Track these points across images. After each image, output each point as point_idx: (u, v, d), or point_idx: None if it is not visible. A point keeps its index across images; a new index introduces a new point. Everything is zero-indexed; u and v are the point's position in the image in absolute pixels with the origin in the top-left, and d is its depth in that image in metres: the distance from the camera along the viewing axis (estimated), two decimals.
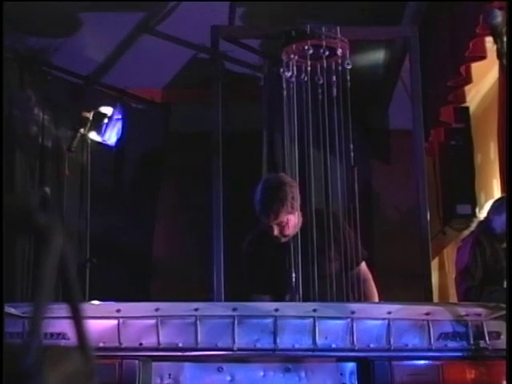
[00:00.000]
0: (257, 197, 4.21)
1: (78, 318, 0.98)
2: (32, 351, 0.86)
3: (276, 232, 4.10)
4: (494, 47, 3.28)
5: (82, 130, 5.56)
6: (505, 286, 5.03)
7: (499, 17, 3.26)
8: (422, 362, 3.07)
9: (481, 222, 5.52)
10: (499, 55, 3.24)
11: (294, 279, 4.05)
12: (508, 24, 3.22)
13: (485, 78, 6.06)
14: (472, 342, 3.00)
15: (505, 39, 3.33)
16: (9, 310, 3.10)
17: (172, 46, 6.37)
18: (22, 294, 5.65)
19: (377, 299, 4.23)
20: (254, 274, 4.28)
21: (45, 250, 0.88)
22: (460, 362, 3.02)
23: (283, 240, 4.13)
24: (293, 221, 4.12)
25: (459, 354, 3.03)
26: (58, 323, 2.61)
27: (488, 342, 2.98)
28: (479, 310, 3.11)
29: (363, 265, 4.29)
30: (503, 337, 2.98)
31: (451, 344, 3.03)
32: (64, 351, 0.95)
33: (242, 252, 4.37)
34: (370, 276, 4.31)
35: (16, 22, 5.86)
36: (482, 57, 4.87)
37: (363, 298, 4.12)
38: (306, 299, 3.91)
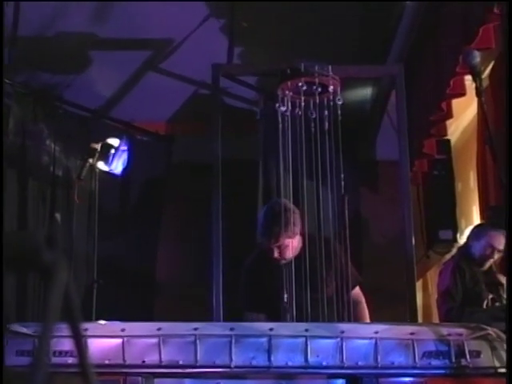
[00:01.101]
0: (260, 220, 4.22)
1: (79, 343, 0.98)
2: (38, 382, 0.86)
3: (276, 254, 4.09)
4: (473, 85, 3.29)
5: (90, 160, 5.57)
6: (484, 306, 5.03)
7: (477, 57, 3.28)
8: (408, 379, 3.05)
9: (460, 248, 5.53)
10: (478, 92, 3.25)
11: (286, 300, 4.03)
12: (508, 24, 3.21)
13: (464, 113, 6.09)
14: (454, 360, 2.98)
15: (483, 77, 3.35)
16: (20, 329, 3.08)
17: (175, 82, 6.40)
18: (33, 314, 5.63)
19: (368, 320, 4.22)
20: (251, 293, 4.27)
21: (51, 284, 0.88)
22: (443, 379, 3.00)
23: (282, 262, 4.12)
24: (292, 244, 4.12)
25: (442, 371, 3.01)
26: (66, 342, 2.59)
27: (469, 360, 2.97)
28: (460, 330, 3.10)
29: (357, 289, 4.28)
30: (483, 355, 2.97)
31: (434, 362, 3.01)
32: (67, 380, 0.94)
33: (241, 270, 4.37)
34: (363, 299, 4.31)
35: (30, 59, 5.89)
36: (462, 94, 4.90)
37: (356, 319, 4.11)
38: (299, 320, 3.89)
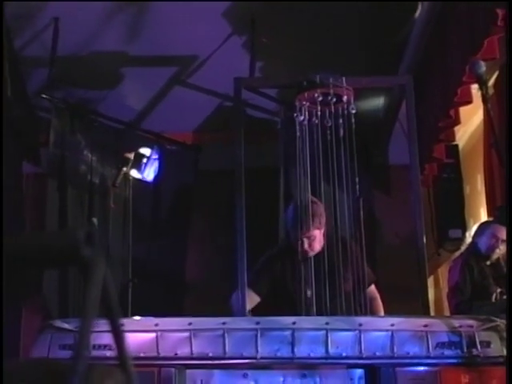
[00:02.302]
0: (289, 215, 4.21)
1: (118, 337, 0.97)
2: (79, 372, 0.85)
3: (306, 245, 4.08)
4: (479, 93, 3.26)
5: (124, 169, 5.59)
6: (492, 300, 4.99)
7: (483, 67, 3.25)
8: (422, 368, 3.03)
9: (468, 245, 5.49)
10: (484, 100, 3.22)
11: (309, 295, 4.02)
12: (508, 23, 3.16)
13: (471, 119, 6.05)
14: (465, 350, 2.96)
15: (488, 86, 3.33)
16: (62, 324, 3.09)
17: (201, 95, 6.41)
18: (74, 310, 5.65)
19: (383, 314, 4.21)
20: (265, 278, 4.23)
21: (90, 279, 0.88)
22: (455, 368, 2.98)
23: (310, 254, 4.10)
24: (319, 236, 4.12)
25: (454, 361, 2.98)
26: (105, 336, 2.60)
27: (480, 350, 2.94)
28: (471, 322, 3.07)
29: (372, 286, 4.28)
30: (493, 345, 2.94)
31: (447, 352, 2.98)
32: (107, 370, 0.93)
33: (265, 256, 4.34)
34: (378, 296, 4.30)
35: (67, 77, 5.92)
36: (469, 101, 4.86)
37: (372, 313, 4.09)
38: (319, 314, 3.87)
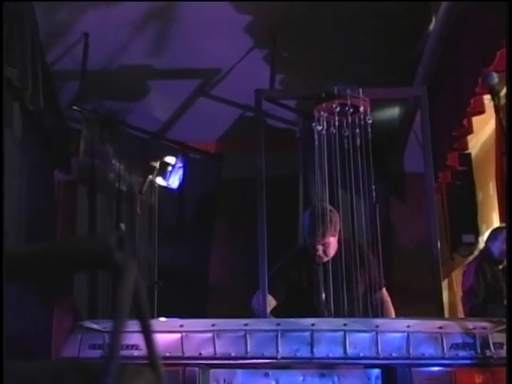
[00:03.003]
0: (305, 222, 4.22)
1: (148, 337, 0.97)
2: (112, 372, 0.85)
3: (320, 252, 4.08)
4: (491, 103, 3.24)
5: (150, 177, 5.59)
6: (505, 303, 4.94)
7: (495, 78, 3.22)
8: (437, 368, 3.01)
9: (481, 250, 5.44)
10: (496, 110, 3.20)
11: (324, 298, 4.01)
12: (508, 23, 3.14)
13: (483, 128, 6.00)
14: (479, 351, 2.93)
15: (501, 95, 3.30)
16: (91, 325, 3.10)
17: (223, 106, 6.42)
18: (103, 312, 5.67)
19: (393, 316, 4.19)
20: (281, 280, 4.23)
21: (122, 282, 0.88)
22: (469, 368, 2.95)
23: (325, 259, 4.10)
24: (334, 243, 4.12)
25: (468, 361, 2.96)
26: (133, 336, 2.60)
27: (493, 351, 2.92)
28: (485, 324, 3.05)
29: (383, 289, 4.27)
30: (506, 347, 2.92)
31: (461, 353, 2.96)
32: (138, 369, 0.93)
33: (282, 259, 4.34)
34: (389, 298, 4.29)
35: (97, 89, 5.96)
36: (481, 111, 4.83)
37: (383, 314, 4.08)
38: (336, 315, 3.86)
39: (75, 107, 5.78)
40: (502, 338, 2.93)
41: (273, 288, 4.14)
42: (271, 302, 4.10)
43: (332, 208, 4.23)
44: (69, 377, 0.92)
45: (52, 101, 5.53)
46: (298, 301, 4.19)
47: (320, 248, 4.08)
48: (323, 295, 4.01)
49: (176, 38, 5.48)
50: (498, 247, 5.05)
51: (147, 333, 0.97)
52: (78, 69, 5.52)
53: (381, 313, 4.05)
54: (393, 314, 4.23)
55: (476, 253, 5.84)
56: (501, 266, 5.09)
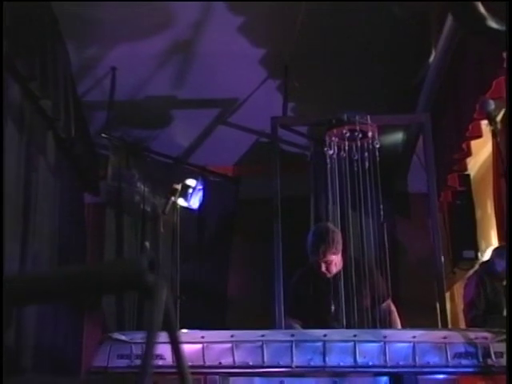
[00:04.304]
0: (309, 240, 4.20)
1: (176, 348, 0.99)
2: (146, 382, 0.87)
3: (323, 268, 4.07)
4: (488, 128, 3.24)
5: (172, 198, 5.59)
6: (503, 314, 4.90)
7: (492, 105, 3.23)
8: (442, 376, 2.98)
9: (483, 264, 5.39)
10: (493, 134, 3.21)
11: (333, 310, 4.00)
12: (508, 23, 3.14)
13: (481, 151, 5.99)
14: (481, 360, 2.91)
15: (497, 119, 3.30)
16: (119, 336, 3.11)
17: (240, 132, 6.45)
18: (130, 324, 5.68)
19: (399, 326, 4.17)
20: (296, 303, 4.23)
21: (154, 302, 0.90)
22: (472, 376, 2.93)
23: (328, 275, 4.09)
24: (336, 260, 4.10)
25: (471, 369, 2.94)
26: (158, 347, 2.60)
27: (494, 360, 2.89)
28: (486, 334, 3.03)
29: (389, 301, 4.25)
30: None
31: (464, 361, 2.94)
32: (169, 380, 0.95)
33: (289, 284, 4.34)
34: (394, 309, 4.26)
35: (123, 118, 6.01)
36: (479, 136, 4.83)
37: (390, 325, 4.06)
38: (347, 327, 3.85)
39: (103, 135, 5.83)
40: (502, 347, 2.91)
41: (293, 312, 4.15)
42: (297, 326, 4.09)
43: (335, 228, 4.22)
44: None
45: (82, 129, 5.58)
46: (301, 313, 4.19)
47: (323, 265, 4.07)
48: (332, 308, 4.00)
49: (196, 71, 5.53)
50: (503, 266, 5.00)
51: (175, 344, 0.98)
52: (106, 99, 5.58)
53: (388, 322, 4.03)
54: (398, 323, 4.20)
55: (476, 267, 5.80)
56: (504, 283, 5.03)
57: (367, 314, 3.97)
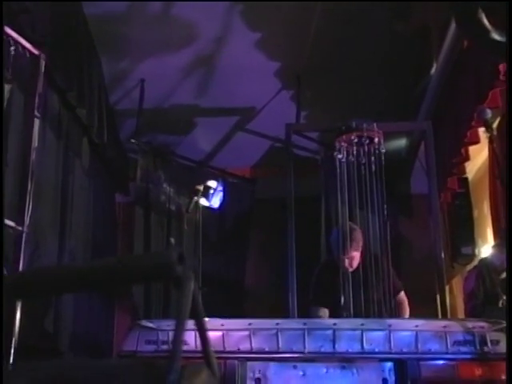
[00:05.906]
0: (333, 238, 4.21)
1: (203, 335, 0.99)
2: (175, 369, 0.87)
3: (346, 264, 4.07)
4: (485, 135, 3.23)
5: (195, 198, 5.61)
6: (499, 305, 4.86)
7: (489, 113, 3.21)
8: (442, 362, 2.96)
9: (482, 259, 5.36)
10: (490, 141, 3.19)
11: (343, 301, 3.99)
12: (508, 23, 3.11)
13: (479, 156, 5.95)
14: (478, 347, 2.89)
15: (494, 127, 3.28)
16: (147, 324, 3.11)
17: (257, 138, 6.46)
18: (156, 312, 5.70)
19: (407, 316, 4.16)
20: (319, 292, 4.23)
21: (182, 291, 0.90)
22: (470, 362, 2.90)
23: (350, 270, 4.10)
24: (357, 256, 4.10)
25: (469, 356, 2.91)
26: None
27: (490, 347, 2.87)
28: (483, 323, 3.00)
29: (402, 293, 4.25)
30: (501, 344, 2.87)
31: (463, 349, 2.92)
32: (196, 367, 0.95)
33: (312, 275, 4.34)
34: (406, 301, 4.25)
35: (151, 125, 6.04)
36: (476, 142, 4.81)
37: (399, 314, 4.06)
38: (355, 316, 3.84)
39: (133, 140, 5.86)
40: (497, 336, 2.89)
41: (319, 300, 4.14)
42: (326, 313, 4.09)
43: (356, 227, 4.22)
44: (139, 371, 0.94)
45: (114, 135, 5.62)
46: (324, 301, 4.19)
47: (346, 261, 4.07)
48: (342, 299, 3.99)
49: (217, 82, 5.55)
50: (502, 260, 4.96)
51: (202, 332, 0.98)
52: (136, 108, 5.62)
53: (397, 312, 4.04)
54: (407, 312, 4.19)
55: (475, 262, 5.76)
56: (501, 276, 4.99)
57: (384, 304, 3.96)
